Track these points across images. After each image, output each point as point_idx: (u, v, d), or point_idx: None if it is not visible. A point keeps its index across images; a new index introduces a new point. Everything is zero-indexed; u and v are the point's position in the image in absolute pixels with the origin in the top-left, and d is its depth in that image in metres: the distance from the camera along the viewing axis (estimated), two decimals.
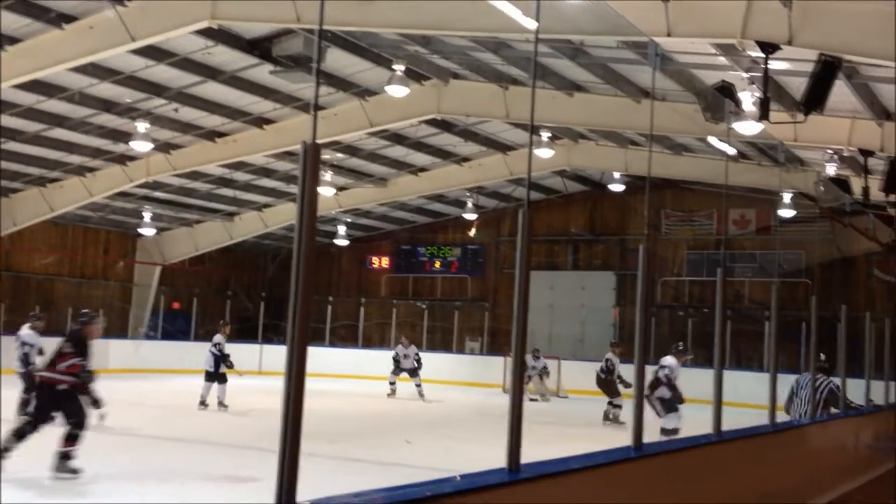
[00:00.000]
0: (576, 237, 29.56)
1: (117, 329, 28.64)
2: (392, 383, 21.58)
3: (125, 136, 19.75)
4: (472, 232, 29.82)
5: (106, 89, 17.33)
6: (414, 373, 21.65)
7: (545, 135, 20.30)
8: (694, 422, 12.14)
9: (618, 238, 28.89)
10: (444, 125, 20.85)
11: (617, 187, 25.24)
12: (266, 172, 24.40)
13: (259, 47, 15.52)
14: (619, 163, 22.75)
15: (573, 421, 17.64)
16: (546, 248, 29.21)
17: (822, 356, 12.39)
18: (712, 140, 17.20)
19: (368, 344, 30.35)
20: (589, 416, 18.00)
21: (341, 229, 30.45)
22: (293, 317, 3.18)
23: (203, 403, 16.98)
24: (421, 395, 20.87)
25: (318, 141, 3.31)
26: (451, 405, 20.02)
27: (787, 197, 21.85)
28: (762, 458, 8.03)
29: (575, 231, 29.40)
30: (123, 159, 22.26)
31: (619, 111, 17.32)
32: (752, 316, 24.31)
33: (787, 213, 22.50)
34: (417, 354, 22.12)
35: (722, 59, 13.09)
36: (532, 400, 21.82)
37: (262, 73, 16.62)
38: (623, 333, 27.30)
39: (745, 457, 7.62)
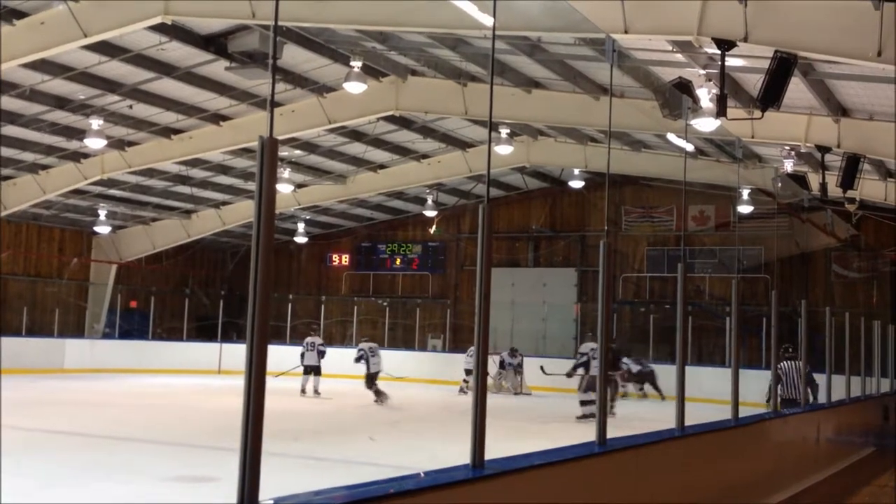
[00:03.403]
0: (536, 234, 29.68)
1: (73, 328, 28.21)
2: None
3: (79, 133, 19.42)
4: (433, 229, 29.81)
5: (58, 85, 17.03)
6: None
7: (504, 131, 20.34)
8: (658, 416, 12.30)
9: (578, 234, 29.06)
10: (403, 122, 20.79)
11: (577, 184, 25.36)
12: (223, 169, 24.14)
13: (214, 43, 15.33)
14: (578, 159, 22.86)
15: (535, 417, 17.68)
16: (507, 244, 29.31)
17: (790, 348, 12.66)
18: (671, 136, 17.34)
19: (330, 342, 30.15)
20: (552, 413, 18.07)
21: (300, 226, 30.25)
22: (252, 314, 3.14)
23: (303, 391, 20.00)
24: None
25: (276, 137, 3.26)
26: (414, 402, 19.97)
27: (745, 193, 22.12)
28: (726, 452, 8.11)
29: (535, 228, 29.51)
30: (77, 156, 21.90)
31: (577, 108, 17.38)
32: (713, 311, 24.62)
33: (745, 209, 22.78)
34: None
35: (679, 56, 13.20)
36: (517, 394, 21.93)
37: (218, 69, 16.41)
38: (584, 329, 27.48)
39: (709, 451, 7.69)
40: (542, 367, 19.47)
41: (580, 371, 16.61)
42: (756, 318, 20.96)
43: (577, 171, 24.62)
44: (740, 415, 8.51)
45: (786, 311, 13.31)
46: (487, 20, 10.60)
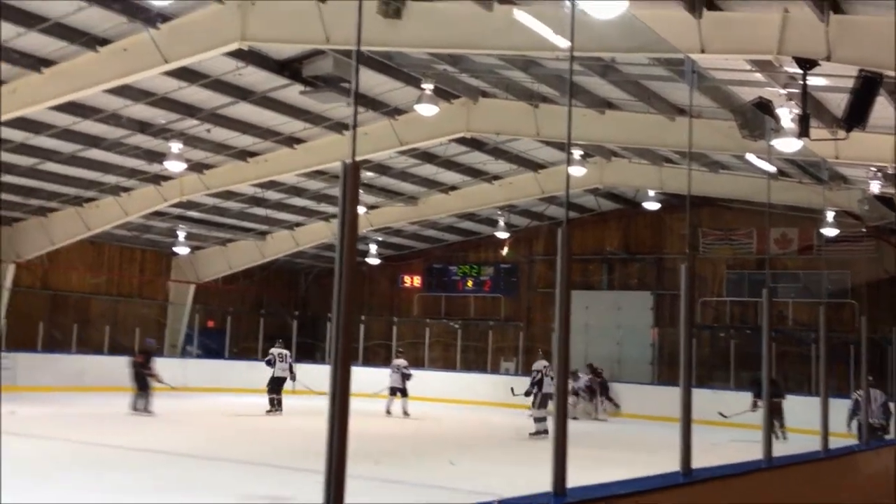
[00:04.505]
0: (610, 256, 29.25)
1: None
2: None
3: (159, 157, 19.91)
4: (505, 251, 29.63)
5: (140, 110, 17.48)
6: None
7: (577, 153, 20.14)
8: (743, 447, 11.93)
9: (654, 257, 28.55)
10: (474, 143, 20.76)
11: (652, 205, 24.96)
12: (297, 191, 24.46)
13: (289, 68, 15.57)
14: (653, 180, 22.50)
15: (612, 444, 17.34)
16: (580, 267, 28.93)
17: (869, 376, 12.24)
18: (750, 157, 16.92)
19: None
20: (630, 440, 17.73)
21: (373, 248, 30.43)
22: (337, 336, 3.17)
23: (388, 412, 20.32)
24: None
25: (346, 160, 3.28)
26: (488, 426, 19.81)
27: (830, 215, 21.44)
28: (816, 485, 7.77)
29: (609, 250, 29.10)
30: (158, 179, 22.43)
31: (652, 128, 17.13)
32: (798, 338, 23.83)
33: (830, 232, 22.06)
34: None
35: (758, 76, 12.89)
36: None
37: (293, 93, 16.66)
38: (662, 354, 26.97)
39: (798, 484, 7.37)
40: (511, 388, 19.54)
41: (535, 389, 17.34)
42: (843, 345, 20.22)
43: (652, 193, 24.23)
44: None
45: (874, 339, 12.81)
46: (562, 42, 10.50)
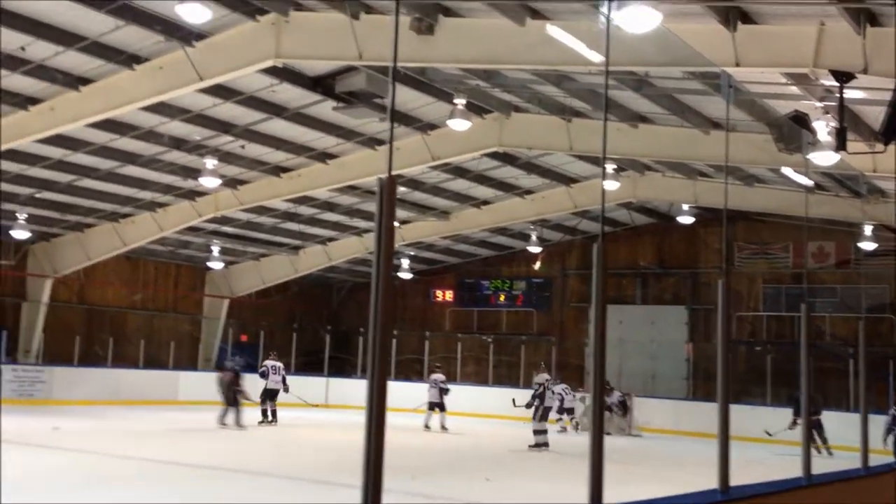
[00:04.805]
0: (644, 270, 29.04)
1: (187, 361, 29.01)
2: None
3: (194, 173, 20.12)
4: (537, 265, 29.52)
5: (176, 127, 17.67)
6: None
7: (610, 167, 20.05)
8: (782, 463, 11.76)
9: (688, 271, 28.29)
10: (507, 158, 20.75)
11: (686, 219, 24.76)
12: (330, 206, 24.59)
13: (322, 84, 15.68)
14: (687, 194, 22.34)
15: (647, 460, 17.15)
16: (614, 281, 28.71)
17: None
18: (786, 171, 16.74)
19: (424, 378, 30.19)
20: (665, 456, 17.53)
21: (405, 262, 30.47)
22: (374, 350, 3.17)
23: (426, 427, 20.42)
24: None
25: (381, 175, 3.31)
26: (522, 441, 19.69)
27: (868, 229, 21.10)
28: (856, 502, 7.61)
29: (643, 264, 28.89)
30: (193, 195, 22.66)
31: (686, 142, 17.03)
32: (836, 353, 23.45)
33: (868, 245, 21.70)
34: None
35: (794, 89, 12.76)
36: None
37: (326, 109, 16.77)
38: (697, 369, 26.69)
39: (838, 502, 7.23)
40: (513, 400, 19.64)
41: (536, 402, 17.66)
42: (882, 360, 19.90)
43: (686, 207, 24.04)
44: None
45: None
46: (595, 56, 10.47)
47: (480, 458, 16.32)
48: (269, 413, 20.21)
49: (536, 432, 17.19)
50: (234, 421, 18.66)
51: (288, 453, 15.68)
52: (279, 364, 21.06)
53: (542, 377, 18.01)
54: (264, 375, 20.63)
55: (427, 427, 20.80)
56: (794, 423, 17.35)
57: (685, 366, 27.08)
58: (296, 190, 21.61)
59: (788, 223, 23.54)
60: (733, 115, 14.84)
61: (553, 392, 17.67)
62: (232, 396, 18.96)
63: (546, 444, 16.96)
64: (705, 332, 26.86)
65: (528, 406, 17.89)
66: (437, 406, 21.20)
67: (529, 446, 17.04)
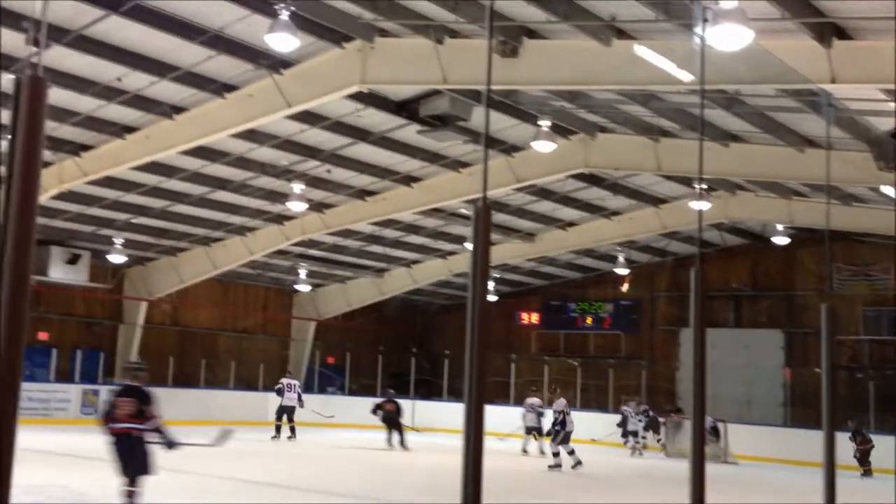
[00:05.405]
0: (737, 292, 28.23)
1: (276, 382, 29.36)
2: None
3: (282, 197, 20.47)
4: (625, 287, 29.04)
5: (264, 153, 18.02)
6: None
7: (700, 187, 19.58)
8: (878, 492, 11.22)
9: (784, 293, 27.40)
10: (593, 179, 20.49)
11: (781, 240, 24.04)
12: (414, 229, 24.70)
13: (406, 108, 15.77)
14: (781, 214, 21.69)
15: (750, 488, 16.59)
16: (706, 303, 27.98)
17: None
18: (886, 189, 16.07)
19: (520, 401, 29.89)
20: (765, 484, 16.95)
21: (490, 285, 30.31)
22: (471, 373, 3.15)
23: (524, 451, 20.53)
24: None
25: (467, 198, 3.28)
26: (613, 467, 19.34)
27: None
28: None
29: (736, 286, 28.09)
30: (280, 219, 23.05)
31: (780, 161, 16.56)
32: None
33: None
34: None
35: (892, 105, 12.24)
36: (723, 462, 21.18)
37: (410, 132, 16.86)
38: (794, 394, 25.81)
39: None
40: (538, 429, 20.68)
41: (557, 427, 18.08)
42: None
43: (780, 227, 23.33)
44: None
45: None
46: (685, 76, 10.23)
47: (572, 484, 16.01)
48: (288, 430, 21.19)
49: (556, 454, 17.67)
50: (399, 443, 20.26)
51: (377, 476, 15.66)
52: (295, 382, 22.16)
53: (562, 403, 18.40)
54: (280, 393, 21.64)
55: (525, 451, 20.68)
56: None
57: (781, 391, 26.18)
58: (381, 213, 21.78)
59: (889, 243, 22.61)
60: (831, 133, 14.34)
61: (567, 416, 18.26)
62: (396, 423, 20.57)
63: (560, 466, 17.41)
64: (803, 356, 25.95)
65: (549, 434, 18.51)
66: (535, 430, 21.05)
67: (549, 466, 17.50)
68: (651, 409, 24.31)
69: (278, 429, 21.30)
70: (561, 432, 17.96)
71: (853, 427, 19.77)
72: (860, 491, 15.54)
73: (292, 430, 21.31)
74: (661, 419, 23.42)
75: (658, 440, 23.44)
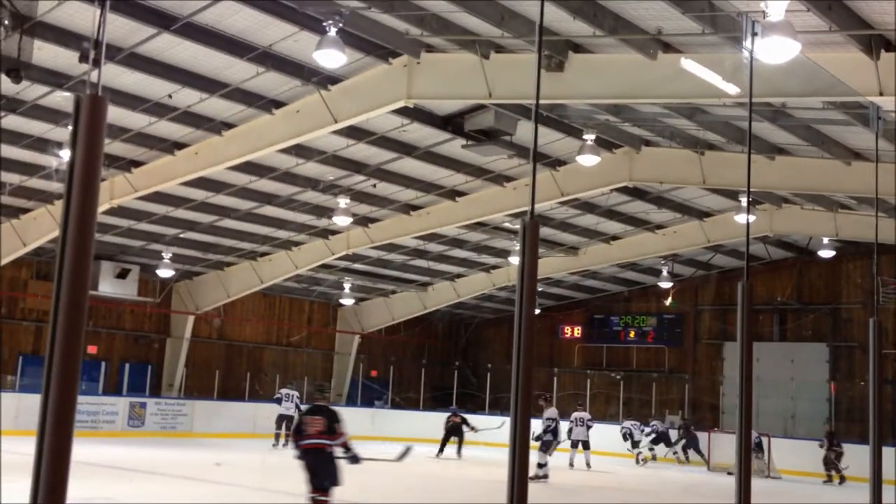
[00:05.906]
0: (782, 306, 27.92)
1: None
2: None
3: (328, 212, 20.69)
4: (668, 301, 28.85)
5: (310, 168, 18.24)
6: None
7: (745, 200, 19.46)
8: None
9: (829, 307, 27.05)
10: (637, 192, 20.43)
11: (826, 253, 23.75)
12: (458, 243, 24.79)
13: (451, 123, 15.89)
14: (827, 228, 21.43)
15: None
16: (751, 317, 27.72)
17: None
18: None
19: (564, 415, 29.78)
20: (804, 499, 16.70)
21: None
22: (517, 386, 3.19)
23: (570, 464, 20.86)
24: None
25: (511, 212, 3.37)
26: (655, 482, 19.20)
27: None
28: None
29: (781, 299, 27.79)
30: (326, 233, 23.29)
31: (826, 174, 16.41)
32: None
33: None
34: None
35: None
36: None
37: (455, 147, 16.98)
38: (839, 409, 25.42)
39: None
40: (531, 433, 19.28)
41: (547, 436, 18.23)
42: None
43: (826, 240, 23.04)
44: None
45: None
46: (731, 88, 10.24)
47: (606, 498, 15.95)
48: (283, 437, 21.57)
49: (540, 465, 17.49)
50: (457, 451, 21.89)
51: (423, 487, 15.70)
52: (294, 392, 22.94)
53: (554, 412, 18.65)
54: (279, 402, 22.59)
55: (571, 465, 20.72)
56: None
57: (826, 406, 25.81)
58: (425, 227, 21.91)
59: None
60: (878, 146, 14.19)
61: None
62: (460, 433, 22.27)
63: (546, 477, 17.31)
64: (848, 370, 25.58)
65: (537, 439, 17.98)
66: (583, 444, 21.04)
67: (529, 478, 17.06)
68: (691, 424, 24.17)
69: (278, 437, 21.93)
70: (553, 441, 18.19)
71: None
72: None
73: (287, 437, 21.41)
74: (698, 433, 23.43)
75: (674, 453, 23.75)
